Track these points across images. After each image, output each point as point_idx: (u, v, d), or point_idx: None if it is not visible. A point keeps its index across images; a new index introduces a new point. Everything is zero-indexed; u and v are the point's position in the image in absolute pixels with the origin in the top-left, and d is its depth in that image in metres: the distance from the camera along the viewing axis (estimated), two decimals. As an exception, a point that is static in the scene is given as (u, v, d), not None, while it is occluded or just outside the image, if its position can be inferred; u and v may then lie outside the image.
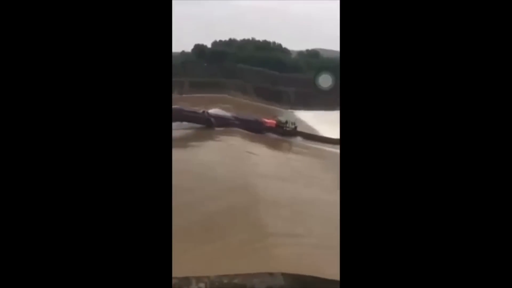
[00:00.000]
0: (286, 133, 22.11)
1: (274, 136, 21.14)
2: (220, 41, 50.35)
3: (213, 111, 21.84)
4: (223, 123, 20.62)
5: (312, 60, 46.02)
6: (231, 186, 9.01)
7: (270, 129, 21.97)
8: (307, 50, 50.13)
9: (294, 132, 22.71)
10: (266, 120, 22.63)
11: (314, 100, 37.29)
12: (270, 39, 50.79)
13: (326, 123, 22.90)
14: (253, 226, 6.52)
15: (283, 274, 2.58)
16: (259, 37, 50.94)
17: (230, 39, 50.76)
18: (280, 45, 50.42)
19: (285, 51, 49.95)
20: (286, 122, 23.43)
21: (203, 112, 20.99)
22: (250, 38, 50.79)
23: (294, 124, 23.63)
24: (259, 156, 14.24)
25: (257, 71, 43.24)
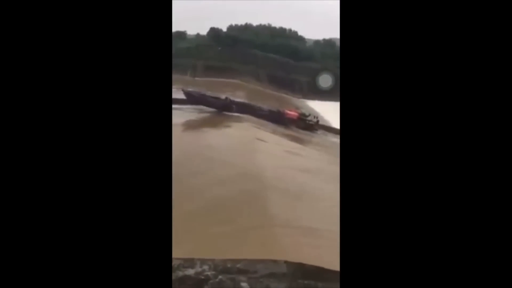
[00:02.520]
0: (307, 126, 21.75)
1: (294, 128, 20.84)
2: (236, 25, 49.91)
3: (235, 98, 21.77)
4: (245, 111, 20.45)
5: (328, 50, 45.34)
6: (240, 172, 9.06)
7: (291, 120, 21.64)
8: (324, 40, 49.37)
9: (316, 126, 22.34)
10: (288, 112, 22.24)
11: (328, 90, 36.97)
12: (287, 26, 50.24)
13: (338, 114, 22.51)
14: (259, 213, 6.57)
15: (286, 262, 2.61)
16: (276, 23, 50.37)
17: (246, 24, 50.25)
18: (296, 33, 49.76)
19: (301, 39, 49.33)
20: (309, 115, 23.02)
21: (226, 98, 20.89)
22: (266, 24, 50.23)
23: (317, 117, 23.15)
24: (270, 145, 14.24)
25: (271, 58, 42.87)
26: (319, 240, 5.51)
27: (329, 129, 22.70)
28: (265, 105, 22.77)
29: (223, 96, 21.18)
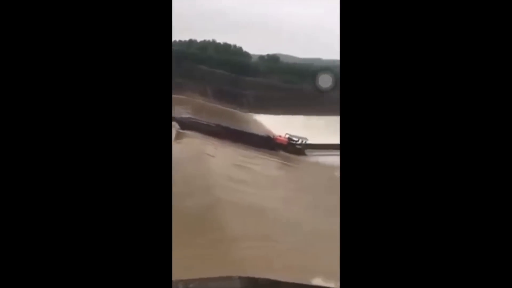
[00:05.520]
0: (296, 150, 21.70)
1: (283, 153, 20.89)
2: (180, 41, 49.58)
3: (225, 124, 21.70)
4: (233, 137, 20.35)
5: (272, 65, 46.57)
6: (200, 186, 8.95)
7: (281, 146, 21.67)
8: (268, 55, 50.65)
9: (304, 149, 22.35)
10: (278, 137, 22.44)
11: (274, 104, 37.67)
12: (231, 42, 50.89)
13: (287, 128, 22.98)
14: (214, 228, 6.45)
15: (240, 278, 2.56)
16: (220, 39, 50.85)
17: (190, 40, 50.13)
18: (240, 48, 50.58)
19: (246, 54, 50.20)
20: (298, 139, 22.81)
21: (217, 125, 21.01)
22: (211, 40, 50.52)
23: (305, 141, 22.95)
24: (219, 160, 14.19)
25: (217, 73, 43.01)
26: (275, 253, 5.51)
27: (315, 146, 22.69)
28: (255, 131, 22.88)
29: (213, 123, 21.49)
